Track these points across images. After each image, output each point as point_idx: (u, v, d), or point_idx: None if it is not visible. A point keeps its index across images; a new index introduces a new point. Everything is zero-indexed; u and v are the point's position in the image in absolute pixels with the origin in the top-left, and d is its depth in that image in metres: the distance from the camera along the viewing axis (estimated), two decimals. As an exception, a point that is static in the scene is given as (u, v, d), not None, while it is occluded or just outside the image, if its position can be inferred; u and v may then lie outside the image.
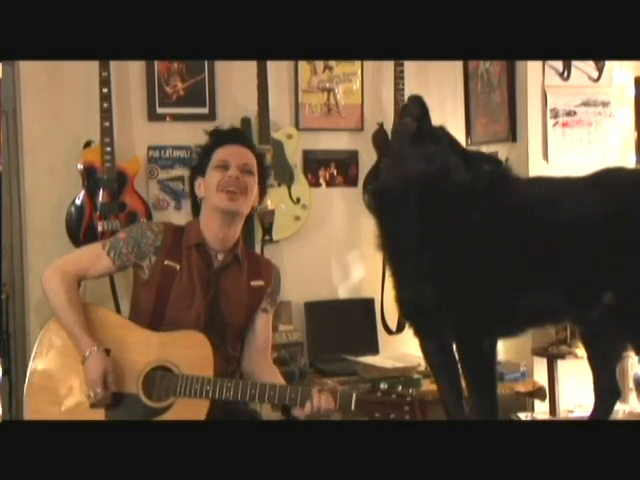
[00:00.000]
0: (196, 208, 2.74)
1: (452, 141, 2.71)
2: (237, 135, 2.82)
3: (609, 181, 2.76)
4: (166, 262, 2.61)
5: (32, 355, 2.61)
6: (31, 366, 2.60)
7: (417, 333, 2.84)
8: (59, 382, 2.55)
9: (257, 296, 2.71)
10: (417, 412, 2.38)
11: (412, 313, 2.81)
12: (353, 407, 2.40)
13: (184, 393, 2.45)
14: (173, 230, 2.69)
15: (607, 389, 2.98)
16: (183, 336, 2.53)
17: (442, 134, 2.68)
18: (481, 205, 2.65)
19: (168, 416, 2.46)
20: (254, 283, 2.70)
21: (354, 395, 2.41)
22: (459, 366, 2.80)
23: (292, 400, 2.44)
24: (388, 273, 2.83)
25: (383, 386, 2.40)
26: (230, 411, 2.56)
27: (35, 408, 2.54)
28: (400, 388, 2.39)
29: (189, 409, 2.45)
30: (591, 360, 3.00)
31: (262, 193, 2.79)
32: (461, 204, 2.63)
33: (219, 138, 2.74)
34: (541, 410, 4.05)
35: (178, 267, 2.61)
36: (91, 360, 2.46)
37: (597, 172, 2.81)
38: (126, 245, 2.62)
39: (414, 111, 2.64)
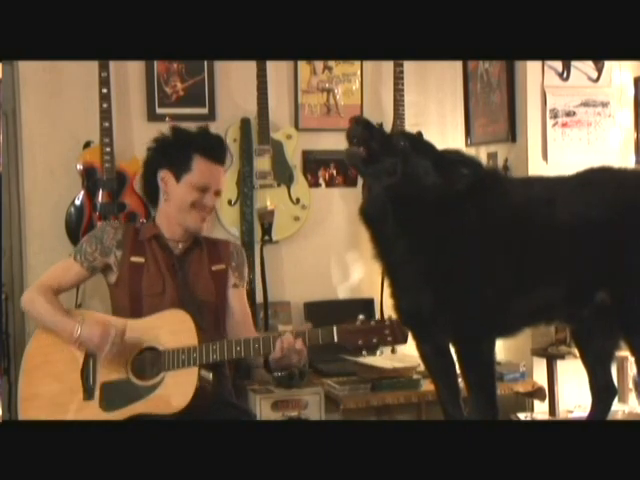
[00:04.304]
0: (151, 192, 2.76)
1: (419, 146, 2.71)
2: (221, 153, 2.77)
3: (597, 181, 2.77)
4: (132, 259, 2.67)
5: (23, 359, 2.66)
6: (22, 370, 2.64)
7: (415, 337, 2.85)
8: (51, 382, 2.58)
9: (222, 278, 2.75)
10: (398, 334, 2.47)
11: (411, 320, 2.82)
12: (336, 339, 2.48)
13: (173, 366, 2.50)
14: (132, 227, 2.79)
15: (603, 388, 2.99)
16: (163, 316, 2.58)
17: (402, 141, 2.66)
18: (470, 207, 2.66)
19: (160, 391, 2.50)
20: (215, 267, 2.74)
21: (335, 328, 2.49)
22: (457, 367, 2.81)
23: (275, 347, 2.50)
24: (386, 282, 2.85)
25: (361, 317, 2.49)
26: (221, 401, 2.61)
27: (28, 407, 2.58)
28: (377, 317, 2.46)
29: (179, 379, 2.49)
30: (585, 360, 3.01)
31: None
32: (441, 208, 2.63)
33: (202, 146, 2.68)
34: (541, 410, 4.05)
35: (143, 260, 2.68)
36: (84, 331, 2.52)
37: (584, 172, 2.82)
38: (89, 244, 2.69)
39: (358, 135, 2.65)
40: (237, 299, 2.79)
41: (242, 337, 2.63)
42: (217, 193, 2.71)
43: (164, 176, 2.68)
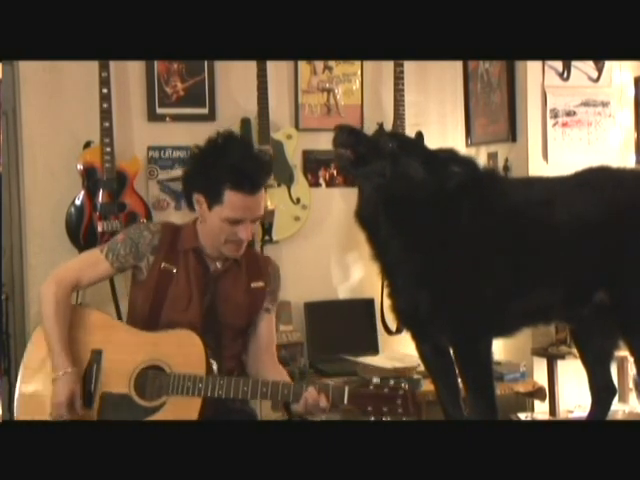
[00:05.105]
0: (191, 205, 2.61)
1: (408, 146, 2.71)
2: (258, 182, 2.51)
3: (595, 181, 2.77)
4: (163, 265, 2.58)
5: (23, 358, 2.61)
6: (22, 369, 2.59)
7: (414, 337, 2.85)
8: (49, 384, 2.52)
9: (258, 297, 2.66)
10: (410, 405, 2.34)
11: (409, 320, 2.83)
12: (346, 401, 2.38)
13: (176, 391, 2.44)
14: (171, 231, 2.64)
15: (603, 388, 2.99)
16: (174, 335, 2.52)
17: (390, 143, 2.67)
18: (466, 207, 2.66)
19: (160, 415, 2.45)
20: (254, 284, 2.65)
21: (346, 389, 2.39)
22: (456, 367, 2.81)
23: (284, 397, 2.43)
24: (384, 283, 2.85)
25: (375, 380, 2.39)
26: (225, 409, 2.56)
27: (25, 411, 2.53)
28: (392, 382, 2.37)
29: (181, 407, 2.44)
30: (585, 360, 3.02)
31: None
32: (435, 207, 2.64)
33: (233, 178, 2.46)
34: (541, 410, 4.05)
35: (175, 270, 2.58)
36: (61, 382, 2.45)
37: (582, 172, 2.82)
38: (124, 246, 2.59)
39: (343, 141, 2.65)
40: (266, 324, 2.70)
41: (263, 373, 2.60)
42: (254, 221, 2.56)
43: (198, 199, 2.53)
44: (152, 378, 2.49)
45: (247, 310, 2.65)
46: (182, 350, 2.49)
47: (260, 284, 2.67)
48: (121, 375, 2.50)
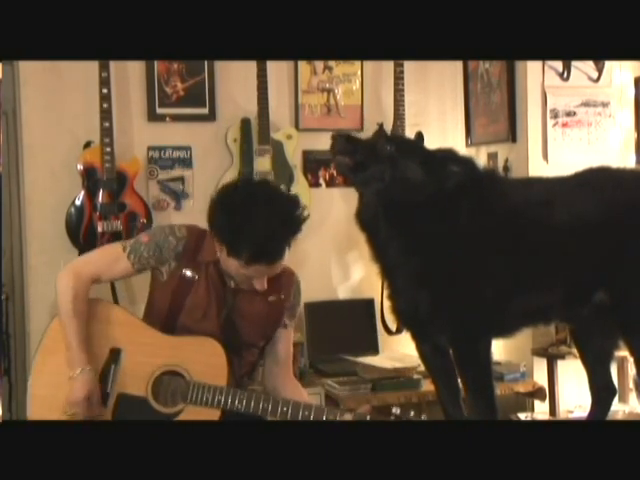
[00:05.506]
0: None
1: (405, 148, 2.71)
2: (279, 257, 2.43)
3: (595, 181, 2.77)
4: (184, 271, 2.53)
5: (36, 353, 2.55)
6: (34, 365, 2.54)
7: (414, 337, 2.85)
8: (64, 382, 2.46)
9: (276, 311, 2.61)
10: None
11: (409, 321, 2.83)
12: None
13: (195, 401, 2.42)
14: (196, 238, 2.56)
15: (603, 388, 2.99)
16: (198, 342, 2.48)
17: (387, 146, 2.66)
18: (466, 208, 2.66)
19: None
20: (272, 298, 2.59)
21: (368, 418, 2.37)
22: (456, 367, 2.81)
23: (305, 418, 2.40)
24: (384, 284, 2.86)
25: (395, 410, 2.36)
26: (235, 415, 2.51)
27: (38, 410, 2.49)
28: (412, 414, 2.35)
29: (199, 417, 2.41)
30: (585, 360, 3.01)
31: None
32: (434, 208, 2.63)
33: (256, 253, 2.39)
34: (541, 410, 4.05)
35: (196, 277, 2.53)
36: (79, 379, 2.41)
37: (582, 172, 2.82)
38: (148, 249, 2.53)
39: (340, 149, 2.65)
40: (284, 340, 2.67)
41: (280, 389, 2.60)
42: (271, 275, 2.50)
43: (216, 239, 2.47)
44: (171, 384, 2.46)
45: (265, 324, 2.62)
46: (204, 358, 2.46)
47: (279, 297, 2.61)
48: (139, 377, 2.45)
